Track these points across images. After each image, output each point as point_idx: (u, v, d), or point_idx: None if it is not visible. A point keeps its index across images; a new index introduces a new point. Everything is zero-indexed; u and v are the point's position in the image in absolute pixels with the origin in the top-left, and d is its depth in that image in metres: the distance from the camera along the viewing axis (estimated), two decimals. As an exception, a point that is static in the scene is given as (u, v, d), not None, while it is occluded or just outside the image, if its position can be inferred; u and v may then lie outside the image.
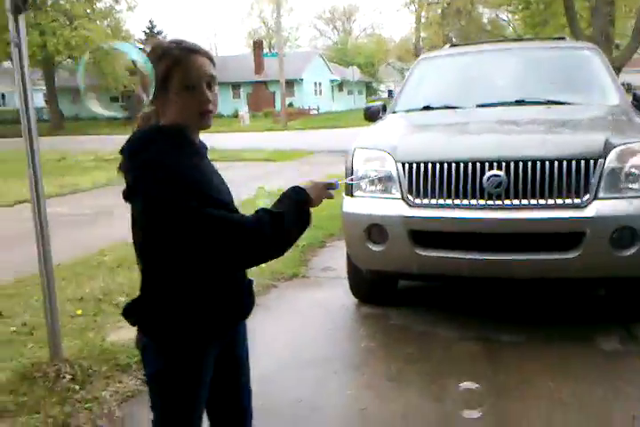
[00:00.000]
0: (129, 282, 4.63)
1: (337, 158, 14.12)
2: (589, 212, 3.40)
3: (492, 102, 4.59)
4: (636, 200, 3.47)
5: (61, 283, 4.65)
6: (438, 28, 47.27)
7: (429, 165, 3.66)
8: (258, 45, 42.40)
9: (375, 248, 3.76)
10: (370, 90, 53.45)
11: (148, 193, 1.48)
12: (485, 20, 46.61)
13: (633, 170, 3.50)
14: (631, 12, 23.36)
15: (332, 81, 45.37)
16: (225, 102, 40.50)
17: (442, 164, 3.62)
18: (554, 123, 4.07)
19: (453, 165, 3.59)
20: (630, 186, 3.50)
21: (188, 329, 1.61)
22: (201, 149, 1.68)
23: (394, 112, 5.00)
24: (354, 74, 31.96)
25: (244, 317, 1.79)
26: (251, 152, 15.87)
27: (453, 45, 5.98)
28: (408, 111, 4.91)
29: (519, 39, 7.25)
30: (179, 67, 1.56)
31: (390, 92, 62.09)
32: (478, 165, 3.55)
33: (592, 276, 3.57)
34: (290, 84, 37.03)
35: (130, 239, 1.63)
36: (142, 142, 1.58)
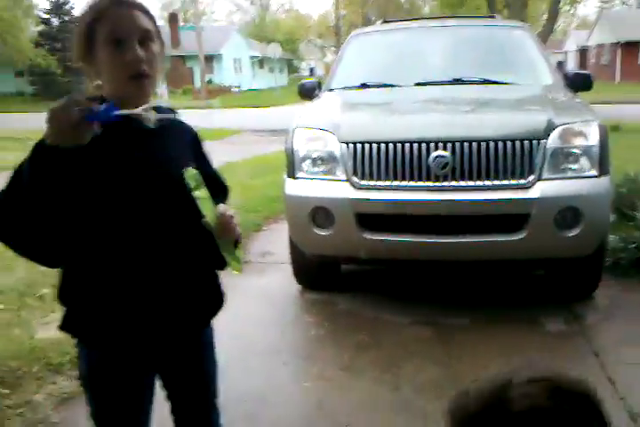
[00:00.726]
0: (52, 272, 4.30)
1: (264, 138, 13.90)
2: (534, 193, 3.40)
3: (429, 81, 4.51)
4: (579, 180, 3.50)
5: (-24, 275, 4.28)
6: (357, 6, 47.27)
7: (374, 146, 3.55)
8: (173, 18, 40.83)
9: (321, 233, 3.63)
10: (291, 67, 52.95)
11: None
12: (403, 0, 47.00)
13: (574, 150, 3.52)
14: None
15: (252, 57, 44.57)
16: (141, 76, 38.99)
17: (387, 144, 3.52)
18: (496, 103, 4.05)
19: (399, 145, 3.50)
20: (572, 166, 3.52)
21: (94, 330, 1.42)
22: (132, 124, 1.38)
23: (330, 90, 4.84)
24: (275, 51, 31.35)
25: (172, 329, 1.47)
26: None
27: (386, 21, 5.86)
28: (345, 89, 4.77)
29: (451, 16, 7.22)
30: (104, 19, 1.33)
31: (312, 70, 61.65)
32: (424, 145, 3.48)
33: (538, 257, 3.58)
34: (208, 59, 35.94)
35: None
36: None
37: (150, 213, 1.39)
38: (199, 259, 1.50)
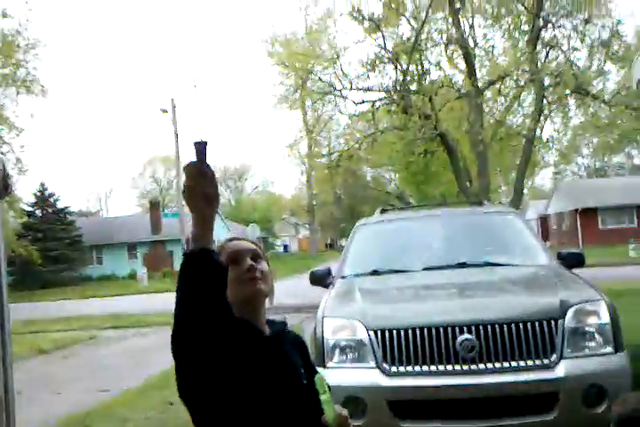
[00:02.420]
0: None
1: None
2: (559, 372, 3.53)
3: (436, 266, 4.83)
4: (598, 358, 3.66)
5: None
6: (328, 185, 50.34)
7: (402, 332, 3.71)
8: (154, 205, 42.67)
9: (354, 422, 3.62)
10: (267, 245, 54.56)
11: None
12: (369, 178, 50.21)
13: (590, 329, 3.75)
14: (496, 170, 26.06)
15: (229, 238, 45.99)
16: (120, 263, 39.60)
17: (414, 329, 3.69)
18: (507, 285, 4.35)
19: (425, 330, 3.68)
20: (590, 344, 3.71)
21: None
22: (252, 332, 1.63)
23: (343, 277, 5.10)
24: (254, 231, 32.73)
25: None
26: (158, 316, 15.26)
27: (384, 210, 6.38)
28: (357, 276, 5.03)
29: (442, 204, 7.87)
30: (224, 250, 1.72)
31: (285, 247, 63.99)
32: (449, 329, 3.65)
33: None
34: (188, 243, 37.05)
35: None
36: None
37: (281, 411, 1.57)
38: None
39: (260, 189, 70.48)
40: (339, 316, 4.06)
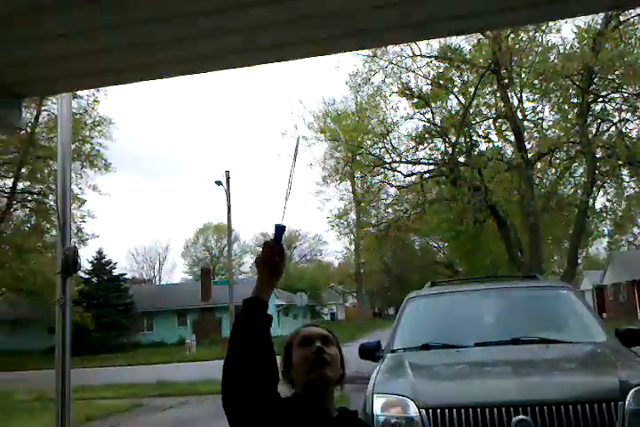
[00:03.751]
0: None
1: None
2: (621, 458, 3.39)
3: (489, 341, 4.76)
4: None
5: None
6: (375, 254, 50.15)
7: (454, 411, 3.65)
8: (206, 273, 43.26)
9: None
10: (314, 313, 54.22)
11: None
12: (417, 247, 49.87)
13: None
14: (548, 239, 25.58)
15: (277, 306, 46.01)
16: (170, 330, 39.82)
17: (467, 409, 3.63)
18: (562, 363, 4.26)
19: (479, 410, 3.60)
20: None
21: None
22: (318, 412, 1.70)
23: (392, 351, 5.07)
24: (302, 299, 32.72)
25: None
26: (204, 384, 15.20)
27: (434, 283, 6.36)
28: (406, 350, 4.99)
29: (494, 277, 7.79)
30: (297, 333, 1.89)
31: (333, 315, 63.38)
32: (504, 409, 3.57)
33: None
34: (238, 309, 37.07)
35: None
36: None
37: None
38: None
39: (308, 257, 70.77)
40: (389, 392, 4.01)
